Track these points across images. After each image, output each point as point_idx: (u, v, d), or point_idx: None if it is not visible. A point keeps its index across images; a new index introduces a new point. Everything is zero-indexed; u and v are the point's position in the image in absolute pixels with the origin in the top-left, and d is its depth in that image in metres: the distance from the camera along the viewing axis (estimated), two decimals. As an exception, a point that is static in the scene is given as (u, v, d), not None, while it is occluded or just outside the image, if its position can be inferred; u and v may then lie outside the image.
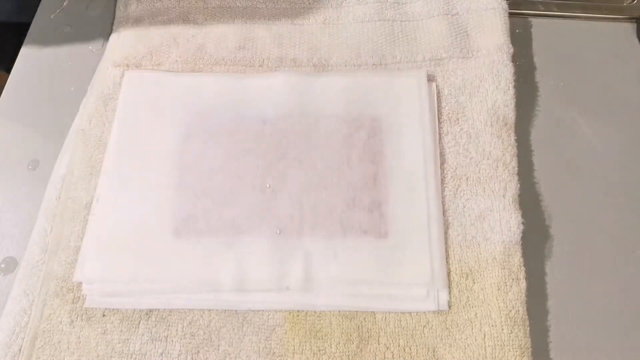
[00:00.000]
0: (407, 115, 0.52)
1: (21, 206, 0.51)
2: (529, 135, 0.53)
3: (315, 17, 0.59)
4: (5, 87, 0.57)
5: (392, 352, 0.43)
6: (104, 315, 0.45)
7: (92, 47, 0.60)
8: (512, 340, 0.43)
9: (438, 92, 0.54)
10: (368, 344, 0.43)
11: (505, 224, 0.47)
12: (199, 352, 0.44)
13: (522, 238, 0.47)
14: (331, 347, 0.43)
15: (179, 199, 0.49)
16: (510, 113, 0.52)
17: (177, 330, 0.45)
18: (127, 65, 0.56)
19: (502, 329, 0.43)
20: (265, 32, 0.58)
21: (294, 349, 0.44)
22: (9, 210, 0.51)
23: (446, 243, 0.47)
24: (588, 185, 0.51)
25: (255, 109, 0.53)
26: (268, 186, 0.49)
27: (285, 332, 0.44)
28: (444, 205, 0.48)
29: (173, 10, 0.60)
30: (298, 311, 0.45)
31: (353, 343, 0.44)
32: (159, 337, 0.44)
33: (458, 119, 0.52)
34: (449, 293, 0.45)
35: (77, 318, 0.45)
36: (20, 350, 0.44)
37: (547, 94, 0.55)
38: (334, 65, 0.56)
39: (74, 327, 0.45)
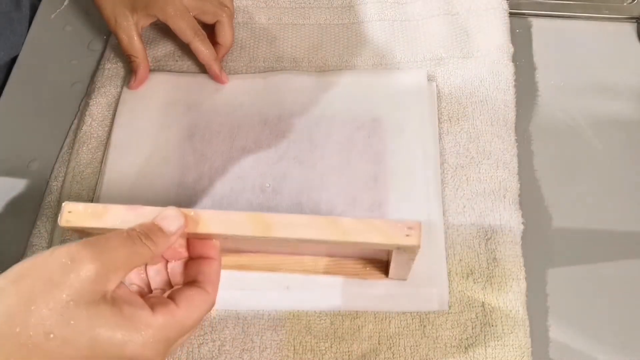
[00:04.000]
0: (407, 115, 0.52)
1: (21, 206, 0.51)
2: (529, 135, 0.53)
3: (315, 17, 0.59)
4: (5, 87, 0.57)
5: (392, 352, 0.43)
6: (104, 315, 0.45)
7: (92, 47, 0.60)
8: (512, 340, 0.43)
9: (438, 92, 0.54)
10: (368, 344, 0.43)
11: (505, 224, 0.47)
12: (199, 351, 0.44)
13: (522, 238, 0.47)
14: (331, 347, 0.43)
15: (179, 199, 0.49)
16: (510, 113, 0.52)
17: (177, 330, 0.45)
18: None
19: (502, 329, 0.43)
20: (266, 32, 0.58)
21: (294, 349, 0.44)
22: (8, 210, 0.51)
23: (446, 243, 0.47)
24: (588, 185, 0.51)
25: (256, 109, 0.53)
26: (268, 186, 0.49)
27: (286, 332, 0.44)
28: (444, 205, 0.48)
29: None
30: (298, 311, 0.45)
31: (353, 343, 0.44)
32: (159, 337, 0.44)
33: (458, 119, 0.52)
34: (449, 293, 0.45)
35: (77, 318, 0.45)
36: (20, 350, 0.44)
37: (547, 94, 0.55)
38: (334, 65, 0.56)
39: (74, 327, 0.45)
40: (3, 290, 0.28)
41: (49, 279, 0.29)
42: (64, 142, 0.54)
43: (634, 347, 0.44)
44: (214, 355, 0.44)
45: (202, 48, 0.53)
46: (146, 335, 0.30)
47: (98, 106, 0.54)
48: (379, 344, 0.43)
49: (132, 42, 0.53)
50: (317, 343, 0.44)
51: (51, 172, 0.52)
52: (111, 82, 0.56)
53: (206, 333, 0.44)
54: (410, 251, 0.35)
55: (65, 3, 0.63)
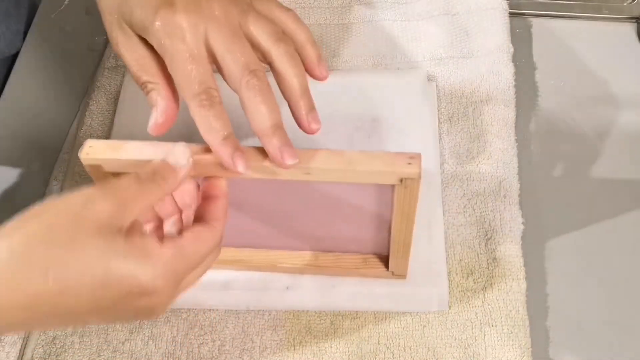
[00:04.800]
0: (407, 115, 0.52)
1: (22, 207, 0.51)
2: (529, 135, 0.53)
3: (314, 17, 0.59)
4: (5, 87, 0.57)
5: (392, 352, 0.43)
6: (104, 315, 0.45)
7: (92, 47, 0.60)
8: (512, 340, 0.43)
9: (438, 92, 0.54)
10: (368, 344, 0.43)
11: (505, 224, 0.47)
12: (199, 351, 0.44)
13: (522, 238, 0.47)
14: (331, 347, 0.43)
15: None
16: (510, 113, 0.52)
17: (177, 329, 0.45)
18: (127, 65, 0.57)
19: (502, 329, 0.43)
20: (266, 32, 0.58)
21: (294, 349, 0.44)
22: (9, 211, 0.51)
23: (446, 243, 0.47)
24: (588, 184, 0.51)
25: (256, 109, 0.53)
26: (268, 186, 0.49)
27: (285, 332, 0.44)
28: (444, 206, 0.48)
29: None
30: (298, 311, 0.45)
31: (353, 343, 0.44)
32: (159, 337, 0.44)
33: (458, 119, 0.52)
34: (449, 293, 0.45)
35: (77, 318, 0.45)
36: (21, 350, 0.44)
37: (547, 94, 0.55)
38: (334, 66, 0.56)
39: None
40: (24, 221, 0.32)
41: (68, 212, 0.31)
42: (64, 142, 0.54)
43: (634, 347, 0.44)
44: (214, 355, 0.44)
45: (203, 119, 0.36)
46: (156, 266, 0.31)
47: (98, 106, 0.54)
48: (378, 344, 0.43)
49: (137, 57, 0.38)
50: (317, 343, 0.44)
51: (51, 172, 0.52)
52: (111, 82, 0.56)
53: (206, 333, 0.44)
54: (411, 184, 0.35)
55: (66, 3, 0.63)
